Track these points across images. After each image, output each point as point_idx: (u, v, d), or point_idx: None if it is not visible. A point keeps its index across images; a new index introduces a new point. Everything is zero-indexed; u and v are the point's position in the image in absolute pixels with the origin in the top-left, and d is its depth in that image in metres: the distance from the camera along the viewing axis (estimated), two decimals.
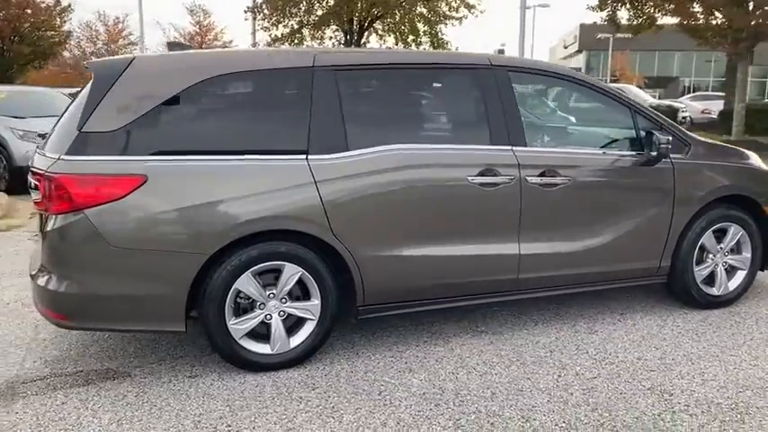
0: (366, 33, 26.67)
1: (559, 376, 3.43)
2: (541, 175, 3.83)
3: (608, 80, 37.28)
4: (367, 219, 3.50)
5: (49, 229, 3.19)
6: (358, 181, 3.46)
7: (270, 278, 3.43)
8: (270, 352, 3.45)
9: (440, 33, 24.95)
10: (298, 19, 25.87)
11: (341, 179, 3.43)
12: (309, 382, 3.37)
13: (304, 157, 3.41)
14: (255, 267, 3.35)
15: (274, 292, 3.42)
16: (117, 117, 3.20)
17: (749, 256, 4.51)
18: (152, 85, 3.31)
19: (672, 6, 17.28)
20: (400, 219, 3.58)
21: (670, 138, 4.00)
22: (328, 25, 27.26)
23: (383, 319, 3.95)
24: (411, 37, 24.85)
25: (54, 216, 3.17)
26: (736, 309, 4.47)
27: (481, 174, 3.70)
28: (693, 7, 17.10)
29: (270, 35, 26.33)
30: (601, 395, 3.21)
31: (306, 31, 27.40)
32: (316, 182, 3.38)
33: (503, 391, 3.26)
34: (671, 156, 4.13)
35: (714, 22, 17.28)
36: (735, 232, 4.44)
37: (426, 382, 3.36)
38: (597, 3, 19.10)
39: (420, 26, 24.73)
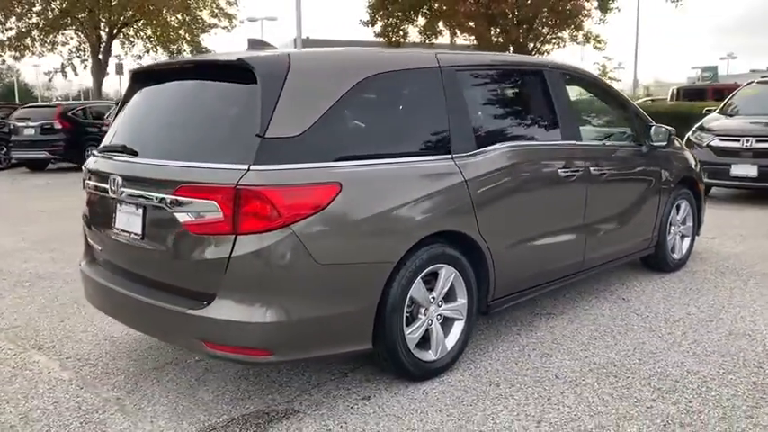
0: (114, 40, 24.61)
1: (669, 332, 3.95)
2: (596, 165, 4.32)
3: None
4: (497, 214, 3.62)
5: (243, 252, 2.71)
6: (489, 178, 3.57)
7: (428, 282, 3.35)
8: (433, 358, 3.37)
9: (201, 41, 24.14)
10: (33, 20, 22.81)
11: (479, 177, 3.50)
12: (469, 383, 3.36)
13: (450, 157, 3.41)
14: (423, 272, 3.25)
15: (434, 295, 3.35)
16: (296, 121, 2.85)
17: (691, 224, 5.59)
18: (318, 86, 3.00)
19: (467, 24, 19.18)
20: (518, 211, 3.76)
21: (673, 130, 4.82)
22: (64, 28, 24.56)
23: None
24: (172, 46, 23.62)
25: (249, 236, 2.70)
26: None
27: (565, 166, 4.06)
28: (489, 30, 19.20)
29: None
30: (697, 337, 3.82)
31: (36, 34, 24.34)
32: (465, 181, 3.41)
33: (640, 350, 3.67)
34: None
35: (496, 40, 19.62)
36: (685, 207, 5.47)
37: (573, 361, 3.61)
38: (369, 18, 20.40)
39: (181, 32, 23.64)
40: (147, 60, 24.10)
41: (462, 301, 3.48)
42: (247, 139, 2.77)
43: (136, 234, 3.11)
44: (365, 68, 3.19)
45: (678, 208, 5.38)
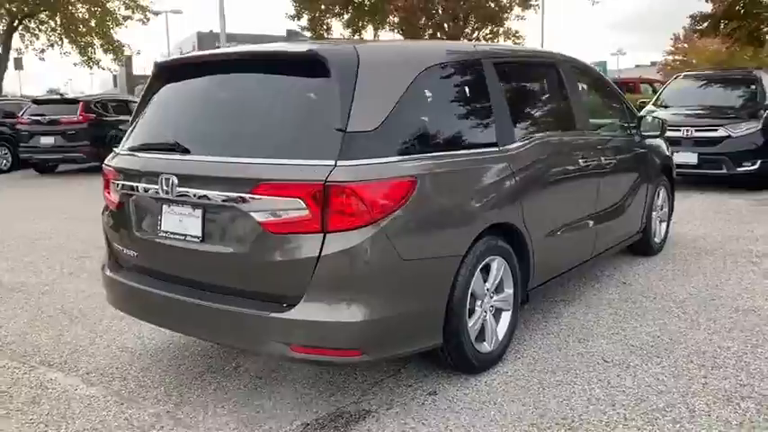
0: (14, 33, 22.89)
1: (683, 312, 4.15)
2: (605, 155, 4.48)
3: None
4: (536, 204, 3.67)
5: (332, 251, 2.60)
6: (529, 168, 3.61)
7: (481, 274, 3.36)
8: (489, 349, 3.39)
9: (115, 35, 22.93)
10: None
11: (522, 168, 3.54)
12: (524, 372, 3.41)
13: (498, 149, 3.43)
14: (481, 265, 3.26)
15: (488, 287, 3.37)
16: (371, 115, 2.77)
17: (667, 210, 5.90)
18: (385, 79, 2.93)
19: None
20: (551, 200, 3.84)
21: (666, 120, 5.06)
22: None
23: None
24: (81, 39, 22.27)
25: (338, 234, 2.60)
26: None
27: (584, 156, 4.18)
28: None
29: None
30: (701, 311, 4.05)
31: None
32: (513, 173, 3.45)
33: (666, 331, 3.84)
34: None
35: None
36: (663, 193, 5.76)
37: (611, 344, 3.73)
38: (294, 12, 20.11)
39: (92, 24, 22.33)
40: (52, 55, 22.59)
41: (509, 291, 3.51)
42: (328, 134, 2.67)
43: (193, 236, 2.92)
44: (423, 60, 3.15)
45: (658, 194, 5.66)
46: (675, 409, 2.96)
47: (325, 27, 21.62)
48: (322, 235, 2.61)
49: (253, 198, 2.68)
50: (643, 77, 25.36)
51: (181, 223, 2.97)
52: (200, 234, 2.90)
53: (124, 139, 3.46)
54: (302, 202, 2.60)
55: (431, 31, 19.21)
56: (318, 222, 2.60)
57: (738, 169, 8.77)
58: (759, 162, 8.78)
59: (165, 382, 3.41)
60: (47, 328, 4.28)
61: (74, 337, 4.11)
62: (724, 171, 8.85)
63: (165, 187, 2.93)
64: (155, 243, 3.10)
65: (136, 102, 16.14)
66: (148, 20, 22.76)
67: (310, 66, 2.80)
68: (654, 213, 5.59)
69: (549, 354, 3.62)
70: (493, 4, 18.65)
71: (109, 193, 3.40)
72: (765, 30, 16.64)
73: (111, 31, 22.33)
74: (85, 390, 3.35)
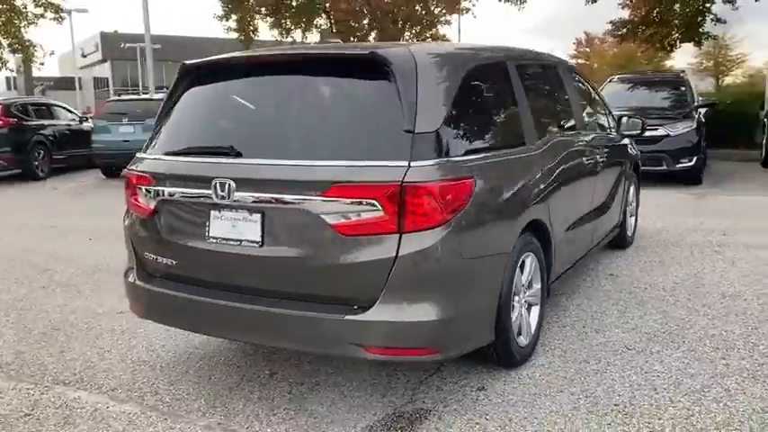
0: None
1: (677, 299, 4.41)
2: (599, 154, 4.70)
3: (151, 90, 37.32)
4: (557, 201, 3.80)
5: (409, 251, 2.61)
6: (551, 167, 3.75)
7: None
8: (525, 343, 3.48)
9: (25, 34, 21.59)
10: None
11: (546, 167, 3.67)
12: (560, 363, 3.53)
13: (527, 147, 3.54)
14: (519, 261, 3.36)
15: (523, 282, 3.47)
16: (433, 115, 2.80)
17: (635, 204, 6.24)
18: (439, 80, 2.96)
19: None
20: (566, 198, 3.99)
21: (645, 120, 5.35)
22: None
23: None
24: None
25: (414, 234, 2.61)
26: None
27: (586, 155, 4.38)
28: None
29: None
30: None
31: None
32: (541, 170, 3.57)
33: (669, 317, 4.08)
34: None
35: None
36: (633, 189, 6.09)
37: (626, 333, 3.91)
38: (222, 14, 19.66)
39: None
40: None
41: (538, 286, 3.63)
42: (396, 135, 2.68)
43: (251, 241, 2.85)
44: (467, 61, 3.21)
45: (629, 190, 5.98)
46: (712, 389, 3.15)
47: (251, 28, 21.30)
48: (398, 236, 2.61)
49: (325, 200, 2.65)
50: None
51: (234, 228, 2.88)
52: (258, 239, 2.83)
53: (151, 142, 3.32)
54: (377, 204, 2.60)
55: (374, 34, 19.31)
56: (395, 223, 2.60)
57: (677, 165, 9.37)
58: (695, 158, 9.42)
59: (203, 394, 3.29)
60: (44, 346, 4.02)
61: (79, 353, 3.89)
62: (665, 167, 9.42)
63: (220, 192, 2.84)
64: (200, 250, 2.99)
65: (60, 106, 15.55)
66: (63, 18, 21.60)
67: (371, 67, 2.79)
68: (627, 208, 5.90)
69: (573, 345, 3.76)
70: (424, 12, 18.98)
71: (136, 199, 3.25)
72: (675, 36, 17.80)
73: (22, 30, 21.04)
74: (118, 407, 3.19)
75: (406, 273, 2.63)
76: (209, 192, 2.88)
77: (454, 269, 2.75)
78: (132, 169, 3.27)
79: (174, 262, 3.11)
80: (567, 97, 4.44)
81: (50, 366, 3.71)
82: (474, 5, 19.06)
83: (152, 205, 3.15)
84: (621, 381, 3.27)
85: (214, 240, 2.95)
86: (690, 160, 9.38)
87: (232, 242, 2.90)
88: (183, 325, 3.25)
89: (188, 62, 3.33)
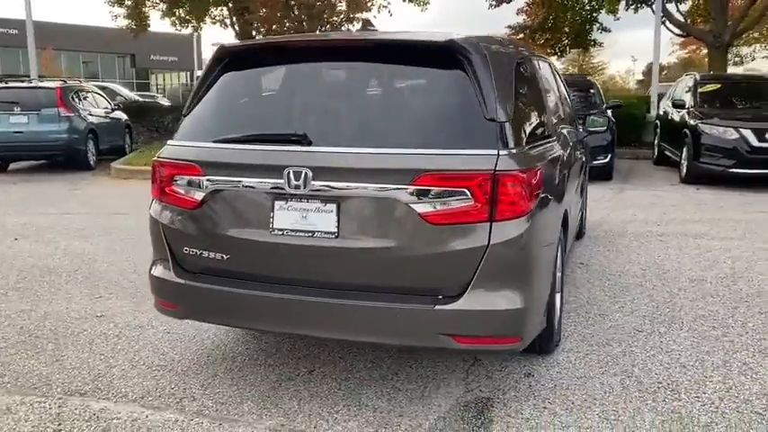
0: None
1: (663, 284, 4.73)
2: (581, 147, 4.95)
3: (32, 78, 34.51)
4: (569, 193, 3.97)
5: (500, 240, 2.61)
6: (563, 160, 3.89)
7: None
8: (556, 329, 3.60)
9: None
10: None
11: (564, 160, 3.83)
12: (585, 348, 3.69)
13: (553, 140, 3.66)
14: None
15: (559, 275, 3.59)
16: (507, 104, 2.82)
17: (585, 198, 6.62)
18: (503, 70, 2.98)
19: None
20: (570, 187, 4.14)
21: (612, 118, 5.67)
22: None
23: None
24: None
25: (505, 223, 2.62)
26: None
27: (576, 148, 4.59)
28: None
29: None
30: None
31: None
32: (563, 162, 3.72)
33: (659, 302, 4.38)
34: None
35: None
36: (586, 183, 6.45)
37: (627, 317, 4.14)
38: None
39: None
40: None
41: (559, 274, 3.77)
42: (480, 124, 2.68)
43: (326, 233, 2.73)
44: (515, 55, 3.27)
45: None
46: (733, 364, 3.42)
47: (144, 17, 20.13)
48: (488, 224, 2.61)
49: (414, 189, 2.59)
50: None
51: (305, 219, 2.75)
52: (334, 229, 2.72)
53: (185, 130, 3.08)
54: (468, 192, 2.58)
55: (291, 26, 18.83)
56: (486, 212, 2.60)
57: (595, 162, 9.97)
58: (609, 156, 10.10)
59: (247, 396, 3.12)
60: (32, 355, 3.63)
61: (79, 361, 3.54)
62: None
63: (294, 181, 2.69)
64: (262, 243, 2.83)
65: None
66: None
67: (446, 55, 2.77)
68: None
69: (587, 330, 3.93)
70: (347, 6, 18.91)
71: (172, 190, 3.01)
72: (566, 42, 19.02)
73: None
74: (158, 415, 2.95)
75: (496, 261, 2.63)
76: (281, 181, 2.72)
77: (534, 257, 2.80)
78: (167, 158, 3.02)
79: (227, 256, 2.92)
80: (560, 92, 4.63)
81: (52, 377, 3.35)
82: (389, 3, 19.21)
83: (199, 196, 2.92)
84: (651, 360, 3.47)
85: (279, 232, 2.79)
86: (605, 157, 10.02)
87: (302, 234, 2.76)
88: (237, 322, 3.06)
89: (228, 45, 3.13)
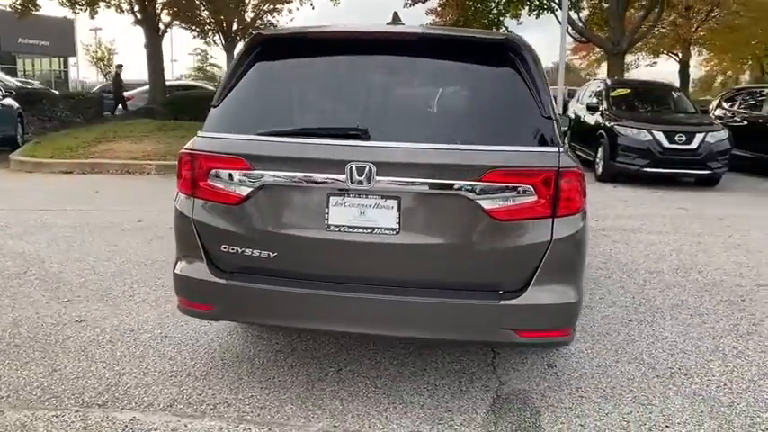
0: None
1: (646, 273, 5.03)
2: None
3: None
4: None
5: (561, 235, 2.67)
6: None
7: None
8: None
9: None
10: None
11: None
12: (602, 326, 3.88)
13: None
14: None
15: None
16: (553, 103, 2.91)
17: None
18: (542, 68, 3.06)
19: None
20: None
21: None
22: None
23: None
24: None
25: (565, 219, 2.69)
26: None
27: None
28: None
29: None
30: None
31: None
32: None
33: (651, 288, 4.67)
34: None
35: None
36: None
37: (619, 308, 4.39)
38: None
39: None
40: None
41: None
42: (537, 121, 2.73)
43: (387, 229, 2.69)
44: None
45: None
46: (725, 348, 3.70)
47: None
48: (551, 220, 2.68)
49: (481, 185, 2.61)
50: None
51: (363, 216, 2.69)
52: (395, 225, 2.68)
53: (224, 119, 2.91)
54: (533, 189, 2.64)
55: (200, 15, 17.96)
56: (549, 208, 2.66)
57: None
58: None
59: (285, 399, 3.01)
60: (23, 365, 3.30)
61: (80, 369, 3.26)
62: None
63: (357, 177, 2.63)
64: (315, 240, 2.73)
65: None
66: None
67: (501, 52, 2.81)
68: None
69: (581, 320, 4.07)
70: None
71: (208, 185, 2.84)
72: None
73: None
74: (198, 423, 2.78)
75: (557, 257, 2.70)
76: (341, 176, 2.65)
77: (584, 252, 2.89)
78: (203, 151, 2.85)
79: (273, 254, 2.79)
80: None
81: (57, 388, 3.07)
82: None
83: (243, 192, 2.77)
84: (655, 347, 3.69)
85: (336, 229, 2.72)
86: None
87: (360, 230, 2.70)
88: (284, 321, 2.92)
89: (266, 33, 2.99)
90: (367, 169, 2.63)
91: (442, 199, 2.68)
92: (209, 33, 18.69)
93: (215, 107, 2.97)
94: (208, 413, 2.87)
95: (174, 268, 3.02)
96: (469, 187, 2.62)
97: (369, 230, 2.70)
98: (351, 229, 2.71)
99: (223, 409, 2.90)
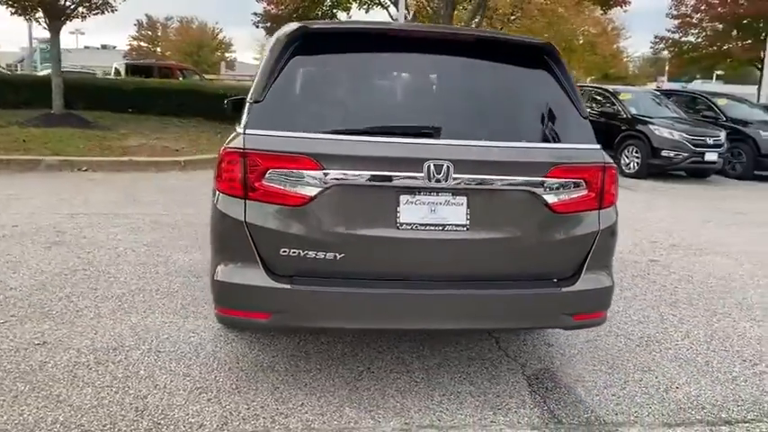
0: None
1: None
2: None
3: None
4: None
5: (605, 225, 2.94)
6: None
7: None
8: None
9: None
10: None
11: None
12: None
13: None
14: None
15: None
16: (581, 103, 3.16)
17: None
18: None
19: None
20: None
21: None
22: None
23: None
24: None
25: (607, 210, 2.96)
26: None
27: None
28: None
29: None
30: None
31: None
32: None
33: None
34: None
35: None
36: None
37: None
38: None
39: None
40: None
41: None
42: (580, 122, 2.97)
43: (457, 225, 2.75)
44: None
45: None
46: (743, 332, 4.10)
47: None
48: (598, 212, 2.94)
49: (546, 181, 2.79)
50: (180, 64, 26.10)
51: (434, 213, 2.73)
52: (465, 221, 2.76)
53: (275, 116, 2.74)
54: (584, 183, 2.88)
55: None
56: (596, 200, 2.92)
57: None
58: None
59: (333, 403, 2.95)
60: (11, 400, 2.83)
61: (86, 397, 2.89)
62: None
63: (436, 175, 2.65)
64: (386, 239, 2.71)
65: None
66: None
67: (544, 56, 2.99)
68: None
69: None
70: None
71: (263, 186, 2.68)
72: None
73: None
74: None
75: (602, 245, 2.96)
76: (418, 174, 2.65)
77: (616, 240, 3.17)
78: (258, 149, 2.66)
79: (341, 255, 2.71)
80: None
81: (81, 420, 2.69)
82: None
83: (309, 192, 2.65)
84: (663, 333, 3.98)
85: (408, 227, 2.72)
86: None
87: (432, 228, 2.74)
88: (356, 323, 2.83)
89: (313, 27, 2.86)
90: (445, 167, 2.67)
91: (508, 194, 2.81)
92: (30, 10, 16.33)
93: (258, 102, 2.79)
94: (271, 428, 2.72)
95: (216, 276, 2.79)
96: (536, 182, 2.78)
97: (440, 227, 2.75)
98: (422, 227, 2.74)
99: (283, 420, 2.77)
